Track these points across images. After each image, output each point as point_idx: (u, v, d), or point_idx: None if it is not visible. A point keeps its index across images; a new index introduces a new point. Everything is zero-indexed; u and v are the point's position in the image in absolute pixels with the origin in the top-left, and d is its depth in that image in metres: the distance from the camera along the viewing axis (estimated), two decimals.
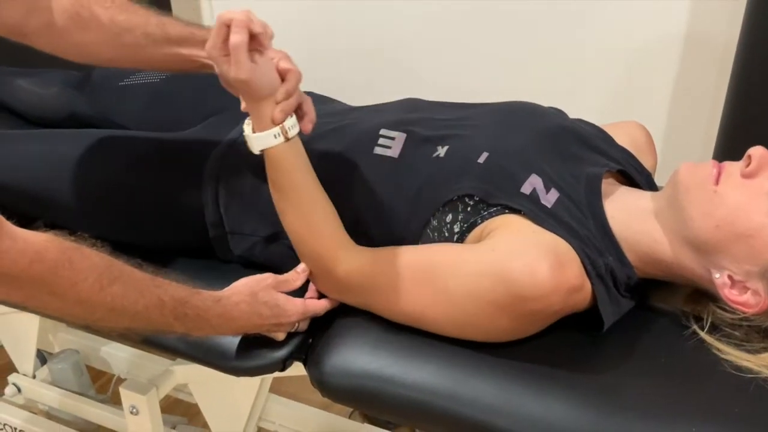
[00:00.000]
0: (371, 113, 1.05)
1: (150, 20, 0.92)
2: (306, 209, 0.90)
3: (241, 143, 1.04)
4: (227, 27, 0.82)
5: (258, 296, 0.88)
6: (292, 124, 0.89)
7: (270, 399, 1.41)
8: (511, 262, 0.78)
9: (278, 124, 0.88)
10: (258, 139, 0.89)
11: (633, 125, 1.06)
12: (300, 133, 0.91)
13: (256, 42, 0.84)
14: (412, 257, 0.87)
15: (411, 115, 1.00)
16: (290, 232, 0.92)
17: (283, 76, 0.89)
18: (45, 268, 0.70)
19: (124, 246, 1.02)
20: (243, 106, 0.90)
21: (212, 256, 1.04)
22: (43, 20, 0.90)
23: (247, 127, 0.91)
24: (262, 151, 0.90)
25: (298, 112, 0.92)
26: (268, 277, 0.91)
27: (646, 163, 1.02)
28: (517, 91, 1.12)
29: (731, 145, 1.39)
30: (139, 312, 0.78)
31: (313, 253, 0.91)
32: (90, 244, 0.76)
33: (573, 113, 1.05)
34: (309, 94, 1.17)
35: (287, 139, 0.89)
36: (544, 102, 1.05)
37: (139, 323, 0.80)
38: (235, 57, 0.83)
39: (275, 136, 0.88)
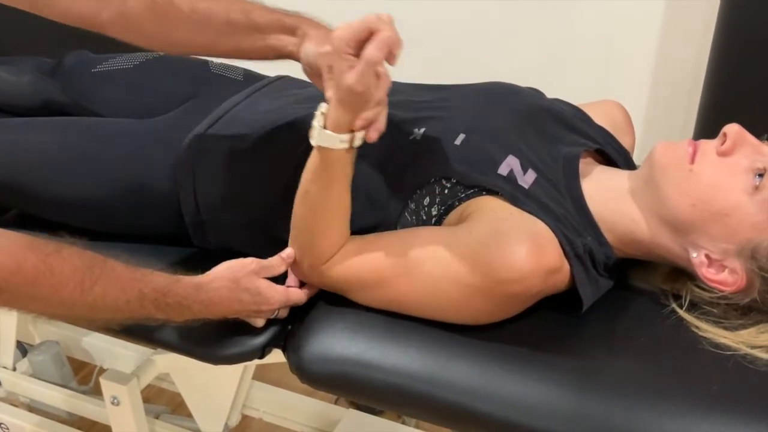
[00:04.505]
0: None
1: (233, 7, 0.87)
2: (327, 214, 0.86)
3: (218, 126, 1.04)
4: (370, 33, 0.75)
5: (240, 282, 0.87)
6: (362, 136, 0.82)
7: (254, 386, 1.40)
8: (490, 245, 0.78)
9: (354, 132, 0.81)
10: (324, 135, 0.81)
11: (611, 104, 1.06)
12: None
13: (389, 57, 0.77)
14: (391, 243, 0.86)
15: (388, 97, 0.99)
16: (299, 222, 0.88)
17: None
18: (25, 280, 0.69)
19: (99, 235, 1.03)
20: (328, 95, 0.81)
21: (189, 244, 1.03)
22: (117, 9, 0.88)
23: (320, 117, 0.82)
24: (319, 146, 0.83)
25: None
26: (251, 263, 0.89)
27: (625, 142, 1.02)
28: (494, 72, 1.11)
29: (711, 124, 1.39)
30: (120, 307, 0.78)
31: (313, 249, 0.88)
32: (69, 242, 0.75)
33: (551, 93, 1.04)
34: (285, 77, 1.17)
35: (350, 149, 0.82)
36: (523, 83, 1.04)
37: (120, 316, 0.80)
38: (362, 69, 0.75)
39: (341, 141, 0.81)
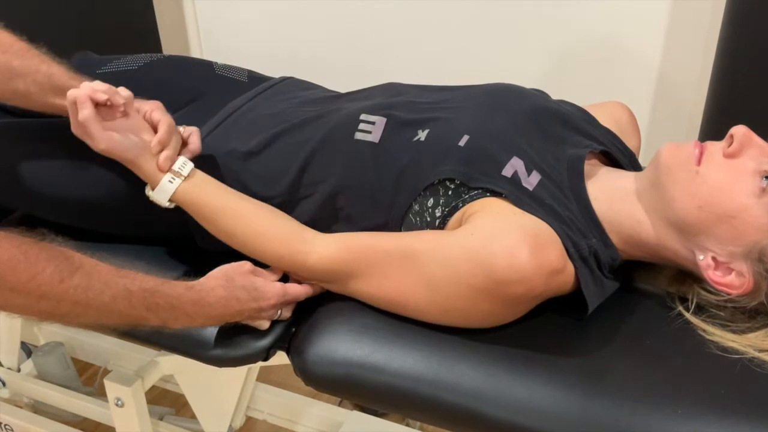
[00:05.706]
0: (352, 99, 1.04)
1: (41, 68, 0.93)
2: (245, 226, 0.90)
3: (222, 128, 1.03)
4: (75, 105, 0.86)
5: (234, 280, 0.87)
6: (182, 164, 0.92)
7: (258, 388, 1.40)
8: (491, 245, 0.78)
9: (166, 172, 0.90)
10: (158, 193, 0.91)
11: (616, 105, 1.05)
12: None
13: (113, 108, 0.89)
14: (391, 242, 0.86)
15: (392, 99, 0.99)
16: (248, 253, 0.91)
17: (155, 127, 0.92)
18: None
19: (103, 237, 1.02)
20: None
21: (193, 245, 1.02)
22: None
23: (147, 188, 0.93)
24: (170, 201, 0.91)
25: (182, 148, 0.95)
26: (245, 264, 0.90)
27: (630, 143, 1.01)
28: (498, 73, 1.11)
29: (717, 126, 1.38)
30: (107, 304, 0.76)
31: (277, 257, 0.90)
32: (49, 240, 0.75)
33: (556, 95, 1.04)
34: (290, 78, 1.17)
35: (185, 178, 0.91)
36: (527, 84, 1.03)
37: (110, 317, 0.78)
38: (87, 132, 0.88)
39: (170, 181, 0.91)
